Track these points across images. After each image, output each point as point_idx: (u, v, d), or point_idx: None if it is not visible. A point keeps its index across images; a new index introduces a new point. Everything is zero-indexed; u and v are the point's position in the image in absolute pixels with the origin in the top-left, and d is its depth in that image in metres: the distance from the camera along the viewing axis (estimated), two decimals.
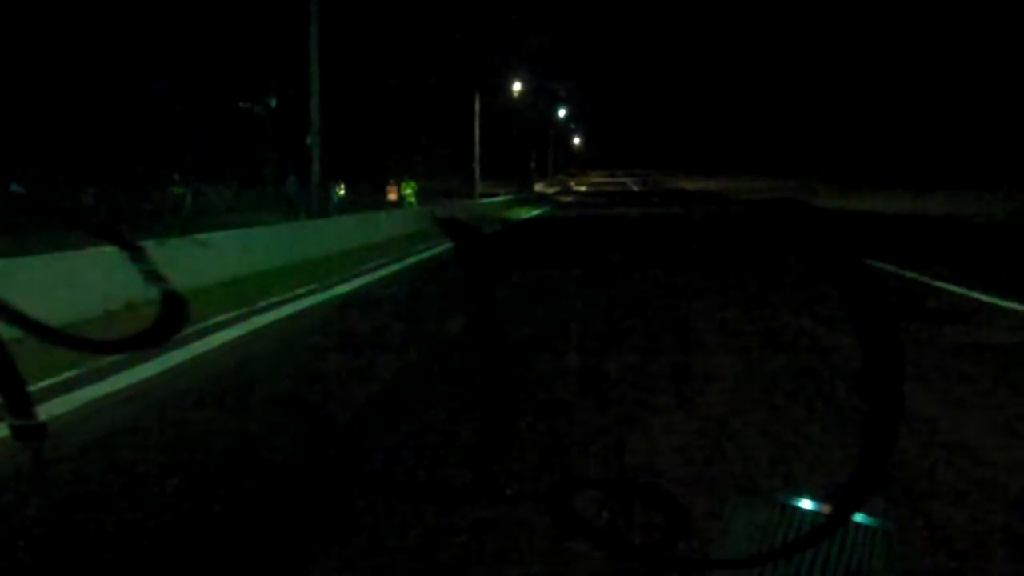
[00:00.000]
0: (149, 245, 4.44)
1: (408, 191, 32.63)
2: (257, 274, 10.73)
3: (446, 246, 15.45)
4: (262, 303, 8.52)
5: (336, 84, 28.74)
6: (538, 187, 74.22)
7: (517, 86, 55.84)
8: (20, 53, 25.46)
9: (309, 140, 22.21)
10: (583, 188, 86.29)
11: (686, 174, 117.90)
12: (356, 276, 11.37)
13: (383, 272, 12.22)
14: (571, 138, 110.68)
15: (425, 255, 14.87)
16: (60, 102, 26.38)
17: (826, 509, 1.37)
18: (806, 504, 1.40)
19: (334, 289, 10.00)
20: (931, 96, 77.48)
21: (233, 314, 7.75)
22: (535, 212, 34.67)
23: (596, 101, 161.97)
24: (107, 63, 27.46)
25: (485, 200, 36.74)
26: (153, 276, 1.20)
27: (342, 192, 38.53)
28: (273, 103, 27.45)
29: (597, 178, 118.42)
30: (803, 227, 1.06)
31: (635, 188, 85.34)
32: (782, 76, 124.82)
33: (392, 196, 34.15)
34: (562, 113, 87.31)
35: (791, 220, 1.08)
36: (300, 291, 9.54)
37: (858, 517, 1.35)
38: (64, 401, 4.61)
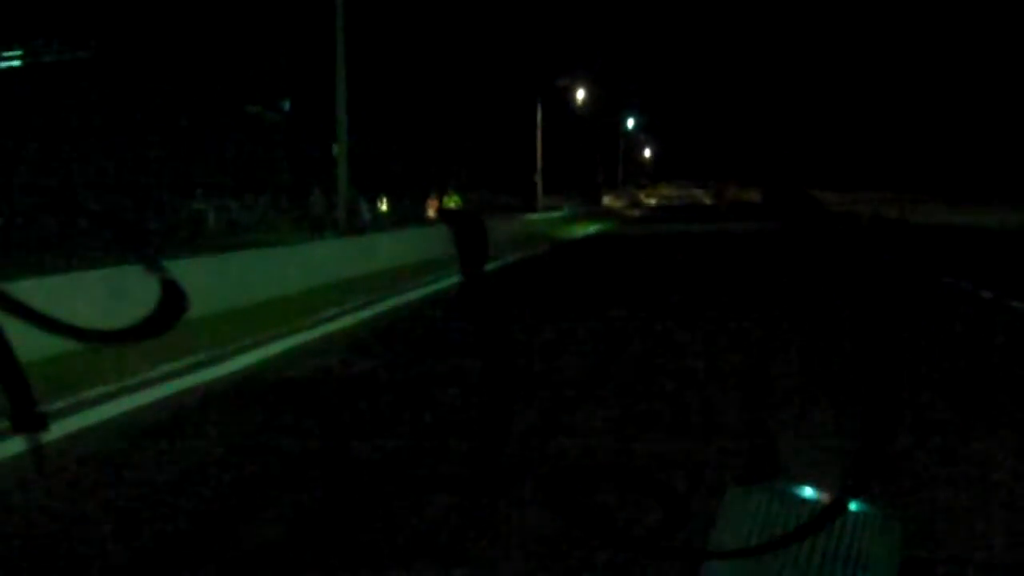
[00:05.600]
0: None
1: (451, 206, 29.47)
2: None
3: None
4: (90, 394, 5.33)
5: (372, 85, 25.80)
6: (606, 200, 70.67)
7: (581, 93, 52.51)
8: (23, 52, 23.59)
9: (335, 150, 19.91)
10: (653, 201, 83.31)
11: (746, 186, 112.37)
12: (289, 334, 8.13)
13: (333, 326, 8.95)
14: (641, 148, 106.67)
15: (425, 291, 11.59)
16: (63, 108, 24.20)
17: (825, 498, 1.39)
18: (806, 493, 1.41)
19: (237, 359, 6.74)
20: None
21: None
22: (592, 229, 31.19)
23: (667, 110, 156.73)
24: (109, 66, 25.28)
25: (536, 216, 33.33)
26: (155, 267, 1.24)
27: (384, 208, 35.64)
28: (287, 107, 24.40)
29: (667, 190, 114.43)
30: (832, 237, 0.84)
31: (706, 201, 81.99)
32: (856, 84, 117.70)
33: (432, 212, 31.00)
34: (631, 123, 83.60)
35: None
36: (188, 360, 6.34)
37: (857, 505, 1.36)
38: None
